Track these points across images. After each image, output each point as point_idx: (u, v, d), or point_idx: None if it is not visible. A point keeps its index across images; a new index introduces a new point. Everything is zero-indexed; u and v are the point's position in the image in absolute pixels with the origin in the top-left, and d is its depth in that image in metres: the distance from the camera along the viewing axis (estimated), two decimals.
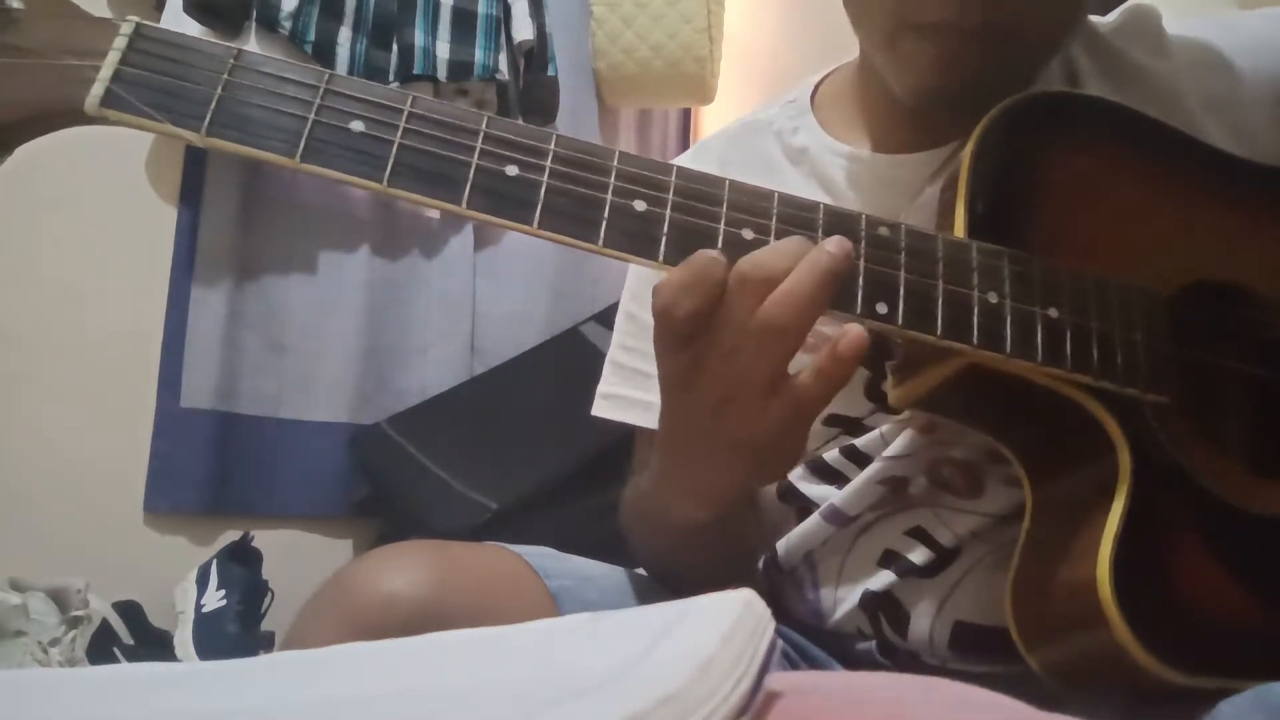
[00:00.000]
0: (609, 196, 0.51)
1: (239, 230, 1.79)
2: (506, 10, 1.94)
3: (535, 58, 1.96)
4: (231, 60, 0.51)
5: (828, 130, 0.76)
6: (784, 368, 0.51)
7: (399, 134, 0.50)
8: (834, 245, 0.50)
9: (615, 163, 0.52)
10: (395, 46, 1.83)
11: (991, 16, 0.60)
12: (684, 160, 0.84)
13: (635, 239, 0.51)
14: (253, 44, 1.70)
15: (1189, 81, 0.70)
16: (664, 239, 0.51)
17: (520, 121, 1.97)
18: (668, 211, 0.52)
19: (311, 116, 0.50)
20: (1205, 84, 0.70)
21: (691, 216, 0.52)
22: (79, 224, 1.67)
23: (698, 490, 0.59)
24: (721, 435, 0.53)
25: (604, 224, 0.51)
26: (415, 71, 1.83)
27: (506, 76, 1.92)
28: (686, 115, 2.38)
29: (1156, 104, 0.67)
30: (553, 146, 0.52)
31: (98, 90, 0.49)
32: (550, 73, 1.97)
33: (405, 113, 0.51)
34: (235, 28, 1.68)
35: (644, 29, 2.06)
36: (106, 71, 0.49)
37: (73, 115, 0.50)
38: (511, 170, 0.51)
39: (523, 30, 1.94)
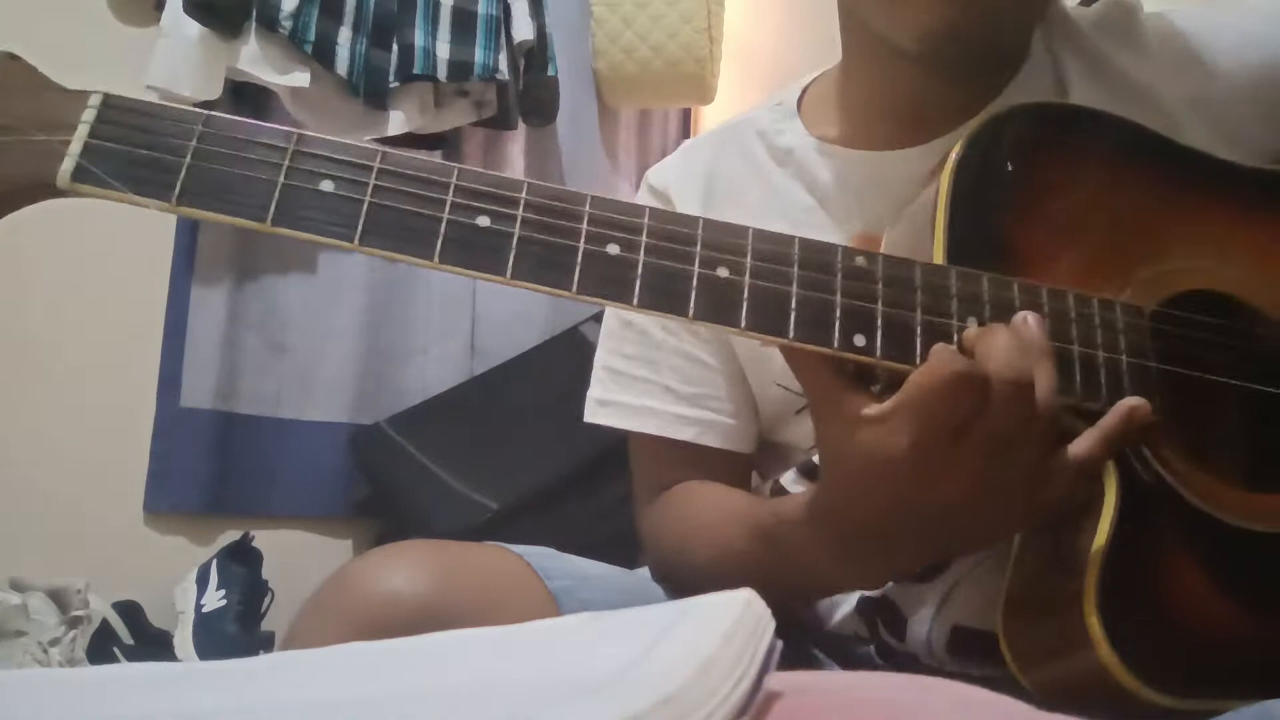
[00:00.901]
0: (581, 244, 0.51)
1: (239, 230, 1.78)
2: (506, 10, 1.94)
3: (535, 58, 1.96)
4: (200, 125, 0.50)
5: (813, 132, 0.76)
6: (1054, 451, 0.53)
7: (369, 192, 0.50)
8: (1036, 322, 0.53)
9: (588, 207, 0.52)
10: (395, 46, 1.83)
11: None
12: (670, 165, 0.84)
13: (609, 284, 0.51)
14: (252, 44, 1.70)
15: (1170, 79, 0.69)
16: (638, 282, 0.51)
17: (520, 122, 1.98)
18: (641, 255, 0.52)
19: (280, 180, 0.50)
20: (1187, 81, 0.69)
21: (664, 259, 0.52)
22: (79, 223, 1.66)
23: (884, 571, 0.60)
24: (979, 520, 0.54)
25: (577, 270, 0.51)
26: (415, 71, 1.83)
27: (506, 76, 1.92)
28: (686, 115, 2.38)
29: (1138, 102, 0.67)
30: (524, 195, 0.52)
31: (68, 165, 0.49)
32: (550, 73, 1.97)
33: (375, 169, 0.51)
34: (235, 28, 1.68)
35: (644, 29, 2.06)
36: (76, 145, 0.49)
37: (44, 190, 0.50)
38: (483, 221, 0.51)
39: (523, 30, 1.93)
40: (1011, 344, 0.51)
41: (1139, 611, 0.54)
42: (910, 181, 0.67)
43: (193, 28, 1.65)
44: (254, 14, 1.69)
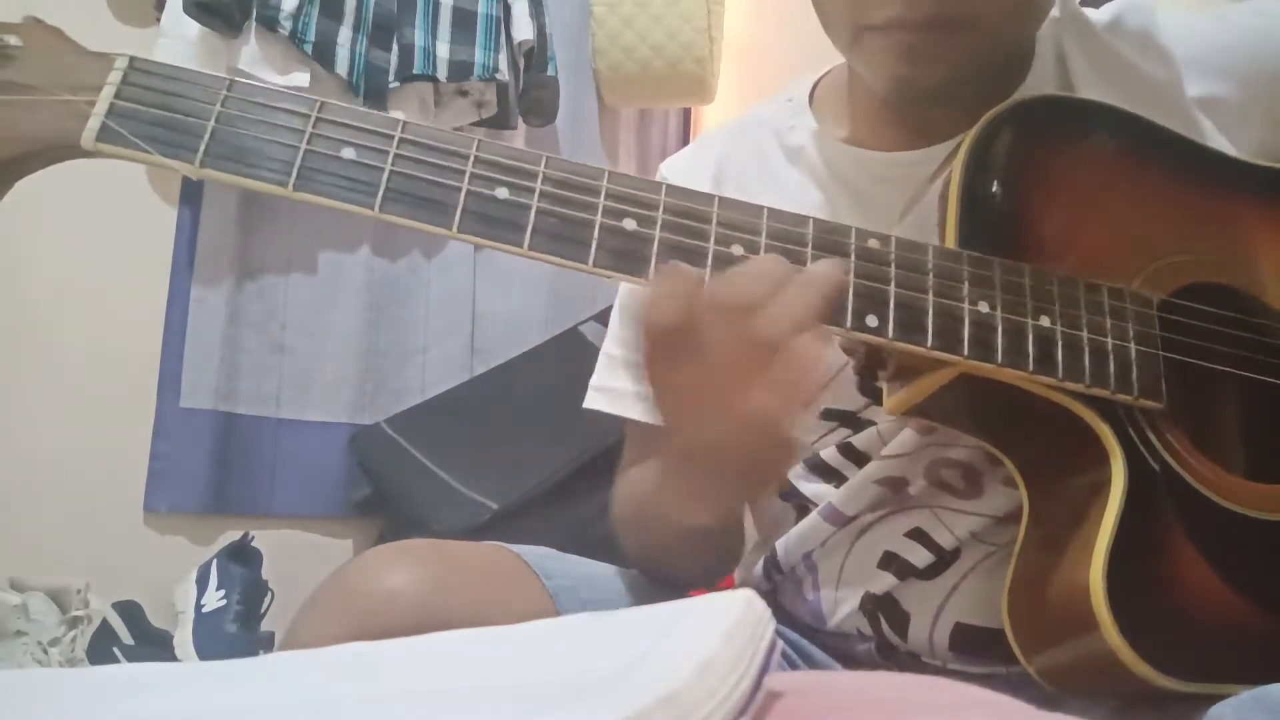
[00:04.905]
0: (598, 217, 0.52)
1: (239, 230, 1.79)
2: (506, 10, 1.94)
3: (535, 58, 1.96)
4: (224, 90, 0.51)
5: (825, 129, 0.76)
6: (756, 377, 0.51)
7: (390, 160, 0.51)
8: (824, 268, 0.51)
9: (605, 182, 0.52)
10: (395, 46, 1.83)
11: (941, 7, 0.61)
12: (683, 157, 0.85)
13: (625, 258, 0.52)
14: (252, 44, 1.70)
15: (1182, 79, 0.69)
16: (653, 258, 0.52)
17: (520, 121, 1.98)
18: (657, 230, 0.52)
19: (303, 146, 0.51)
20: (1198, 81, 0.69)
21: (681, 235, 0.52)
22: (79, 224, 1.66)
23: (695, 496, 0.59)
24: (711, 446, 0.53)
25: (594, 244, 0.51)
26: (415, 71, 1.83)
27: (506, 77, 1.92)
28: (686, 115, 2.38)
29: (1150, 101, 0.67)
30: (542, 168, 0.52)
31: (93, 125, 0.50)
32: (550, 73, 1.97)
33: (396, 138, 0.51)
34: (235, 28, 1.68)
35: (644, 29, 2.06)
36: (101, 106, 0.50)
37: (69, 150, 0.51)
38: (502, 193, 0.51)
39: (523, 30, 1.93)
40: (748, 270, 0.51)
41: (1146, 595, 0.55)
42: (919, 182, 0.68)
43: (192, 28, 1.65)
44: (254, 14, 1.69)
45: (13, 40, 0.51)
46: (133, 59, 0.51)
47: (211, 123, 0.50)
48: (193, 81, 0.51)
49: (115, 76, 0.50)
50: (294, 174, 0.50)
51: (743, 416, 0.51)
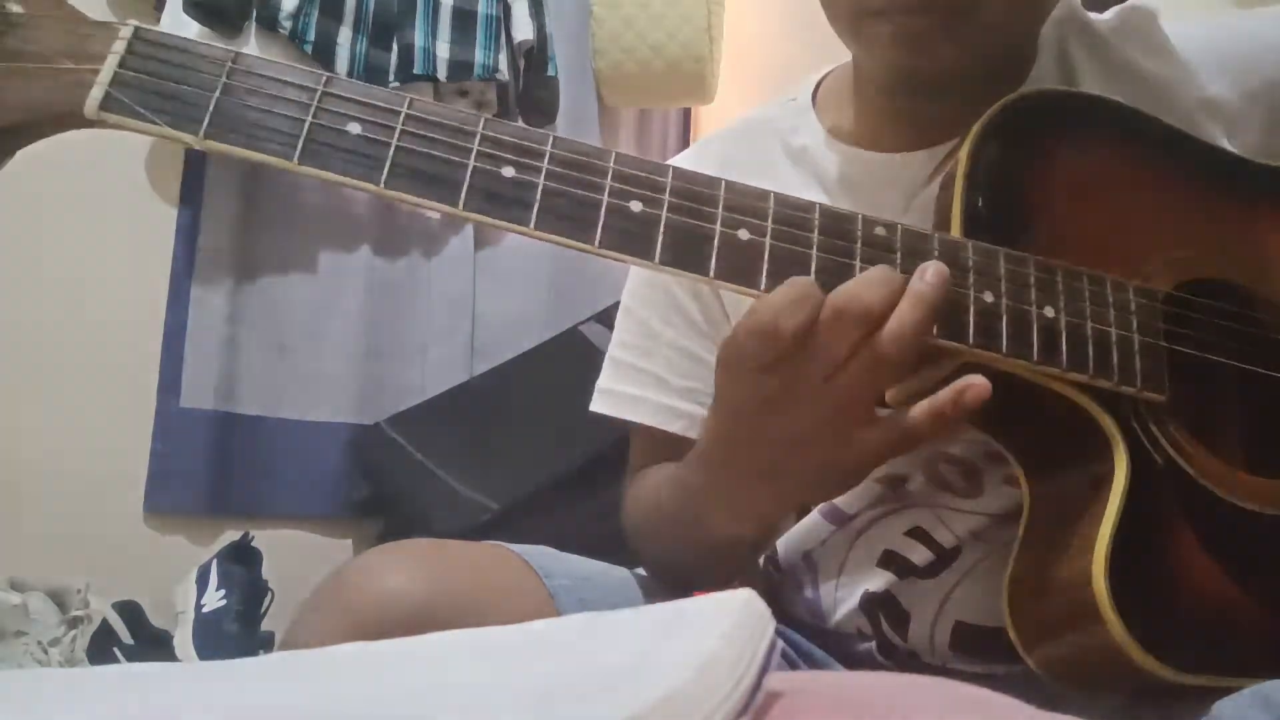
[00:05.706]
0: (605, 198, 0.51)
1: (239, 230, 1.79)
2: (506, 10, 1.94)
3: (535, 58, 1.96)
4: (229, 63, 0.51)
5: (828, 129, 0.75)
6: (880, 398, 0.52)
7: (396, 136, 0.50)
8: (934, 276, 0.52)
9: (612, 163, 0.52)
10: (395, 46, 1.83)
11: None
12: (685, 158, 0.84)
13: (631, 239, 0.51)
14: (253, 44, 1.70)
15: (1185, 80, 0.70)
16: (660, 240, 0.51)
17: (520, 121, 1.98)
18: (664, 212, 0.52)
19: (309, 119, 0.50)
20: (1201, 83, 0.70)
21: (687, 217, 0.52)
22: (79, 224, 1.67)
23: (751, 511, 0.60)
24: (794, 461, 0.54)
25: (600, 225, 0.51)
26: (415, 71, 1.83)
27: (506, 77, 1.93)
28: (686, 115, 2.38)
29: (1154, 103, 0.67)
30: (549, 148, 0.52)
31: (96, 94, 0.49)
32: (550, 73, 1.98)
33: (402, 114, 0.51)
34: (235, 28, 1.68)
35: (644, 28, 2.06)
36: (105, 75, 0.49)
37: (72, 119, 0.50)
38: (508, 172, 0.51)
39: (523, 30, 1.94)
40: (872, 277, 0.51)
41: (1148, 586, 0.55)
42: (919, 183, 0.68)
43: (192, 28, 1.65)
44: (254, 14, 1.69)
45: (15, 8, 0.50)
46: (137, 28, 0.50)
47: (216, 94, 0.50)
48: (198, 53, 0.51)
49: (120, 46, 0.50)
50: (299, 148, 0.50)
51: (852, 428, 0.52)
